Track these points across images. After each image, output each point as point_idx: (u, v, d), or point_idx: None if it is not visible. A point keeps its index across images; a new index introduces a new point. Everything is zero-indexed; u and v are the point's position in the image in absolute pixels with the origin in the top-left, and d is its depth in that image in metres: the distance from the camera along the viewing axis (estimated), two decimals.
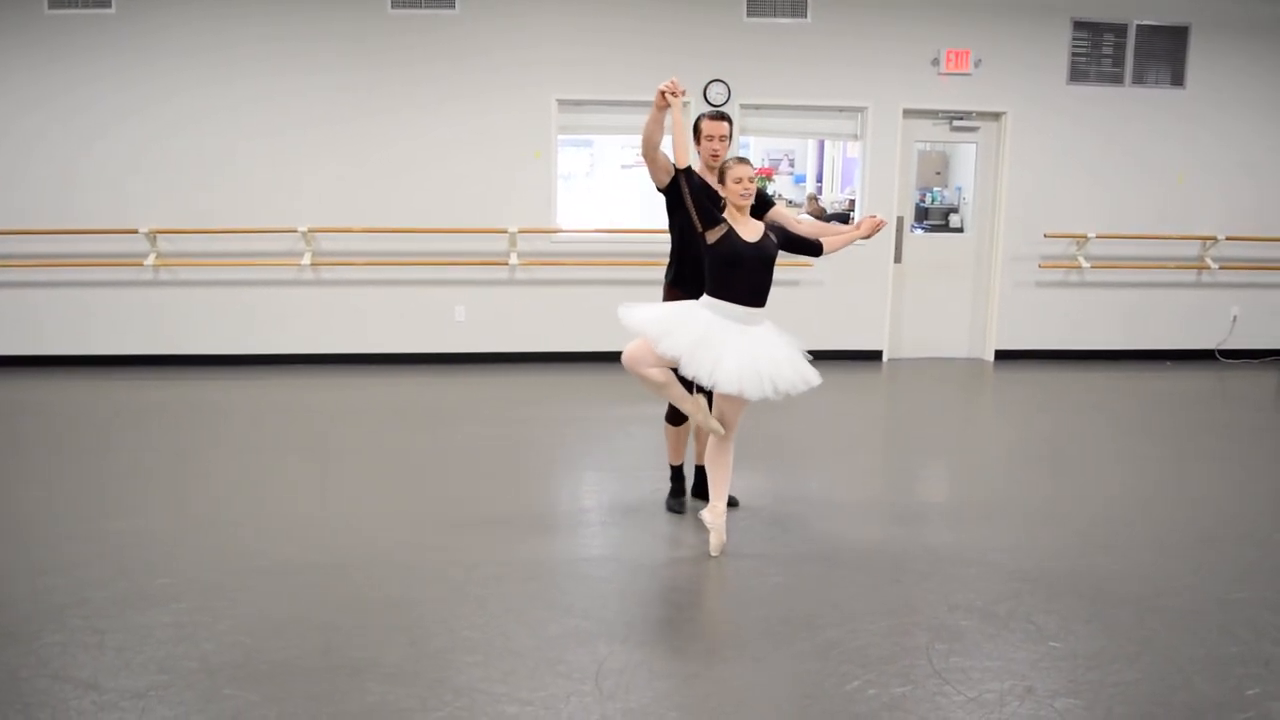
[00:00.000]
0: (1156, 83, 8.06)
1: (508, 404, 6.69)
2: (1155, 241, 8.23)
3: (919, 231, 8.51)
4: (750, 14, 7.64)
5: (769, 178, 10.74)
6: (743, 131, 7.93)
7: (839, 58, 7.76)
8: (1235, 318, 8.48)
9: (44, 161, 7.35)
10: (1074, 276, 8.28)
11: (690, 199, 3.74)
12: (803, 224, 4.32)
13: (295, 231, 7.44)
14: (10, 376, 7.22)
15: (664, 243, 4.24)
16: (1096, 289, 8.34)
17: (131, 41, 7.27)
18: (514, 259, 7.62)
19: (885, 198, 7.95)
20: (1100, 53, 7.98)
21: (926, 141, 8.42)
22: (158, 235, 7.42)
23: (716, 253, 3.74)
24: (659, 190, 4.11)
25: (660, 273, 4.30)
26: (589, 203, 10.23)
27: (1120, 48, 7.98)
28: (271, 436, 5.79)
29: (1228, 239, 8.22)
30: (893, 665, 2.96)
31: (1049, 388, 7.46)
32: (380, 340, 7.80)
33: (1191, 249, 8.33)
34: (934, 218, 8.80)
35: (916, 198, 8.60)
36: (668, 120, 3.85)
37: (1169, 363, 8.34)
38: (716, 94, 7.62)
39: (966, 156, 8.57)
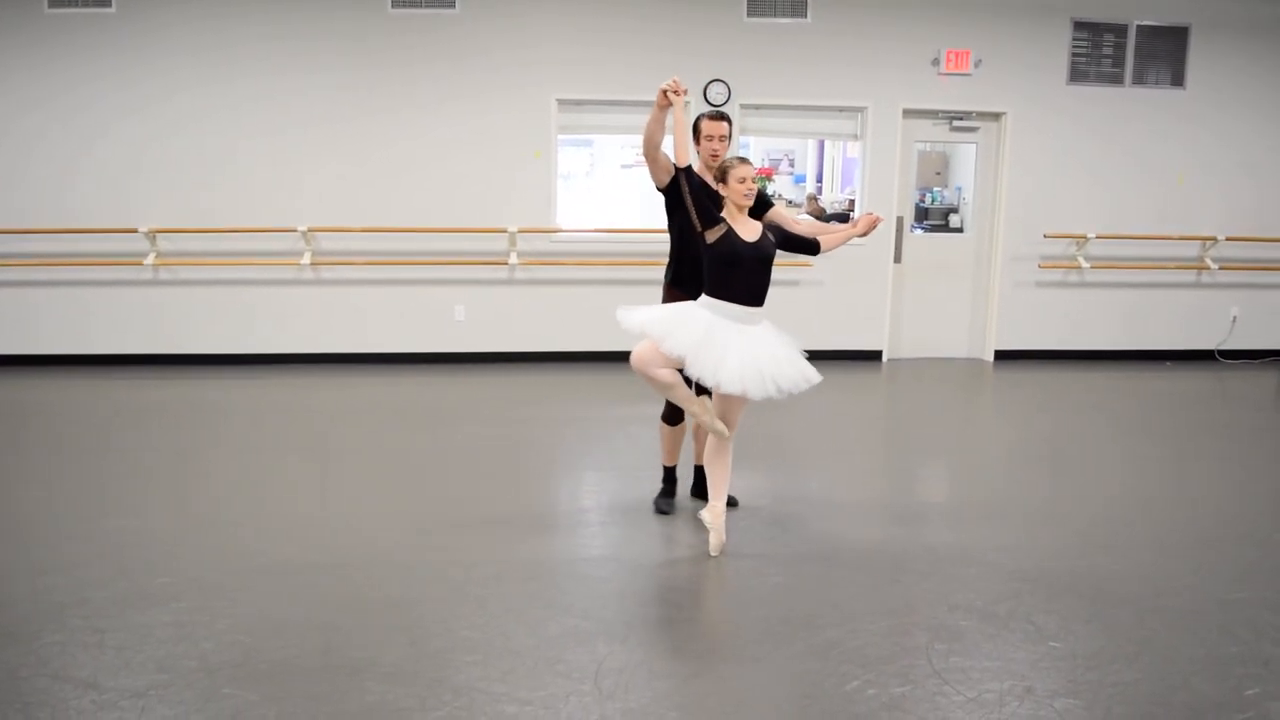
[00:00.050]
0: (1156, 83, 8.06)
1: (508, 404, 6.69)
2: (1155, 242, 8.23)
3: (919, 231, 8.51)
4: (750, 14, 7.64)
5: (769, 178, 10.74)
6: (743, 131, 7.94)
7: (839, 58, 7.76)
8: (1235, 318, 8.48)
9: (44, 161, 7.35)
10: (1074, 277, 8.28)
11: (690, 198, 3.75)
12: (801, 224, 4.33)
13: (295, 231, 7.44)
14: (10, 376, 7.23)
15: (663, 243, 4.24)
16: (1096, 289, 8.34)
17: (131, 40, 7.27)
18: (514, 259, 7.62)
19: (885, 198, 7.95)
20: (1100, 53, 7.98)
21: (926, 141, 8.42)
22: (158, 234, 7.42)
23: (716, 252, 3.74)
24: (658, 190, 4.11)
25: (660, 273, 4.30)
26: (589, 202, 10.22)
27: (1120, 48, 7.98)
28: (271, 436, 5.79)
29: (1228, 239, 8.22)
30: (892, 665, 2.96)
31: (1049, 388, 7.46)
32: (380, 340, 7.80)
33: (1191, 249, 8.33)
34: (934, 218, 8.80)
35: (916, 198, 8.60)
36: (669, 119, 3.85)
37: (1169, 363, 8.34)
38: (716, 94, 7.62)
39: (966, 157, 8.56)
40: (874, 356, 8.22)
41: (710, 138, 4.04)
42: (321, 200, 7.52)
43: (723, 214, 3.79)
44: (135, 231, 7.37)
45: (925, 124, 8.10)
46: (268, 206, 7.47)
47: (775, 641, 3.12)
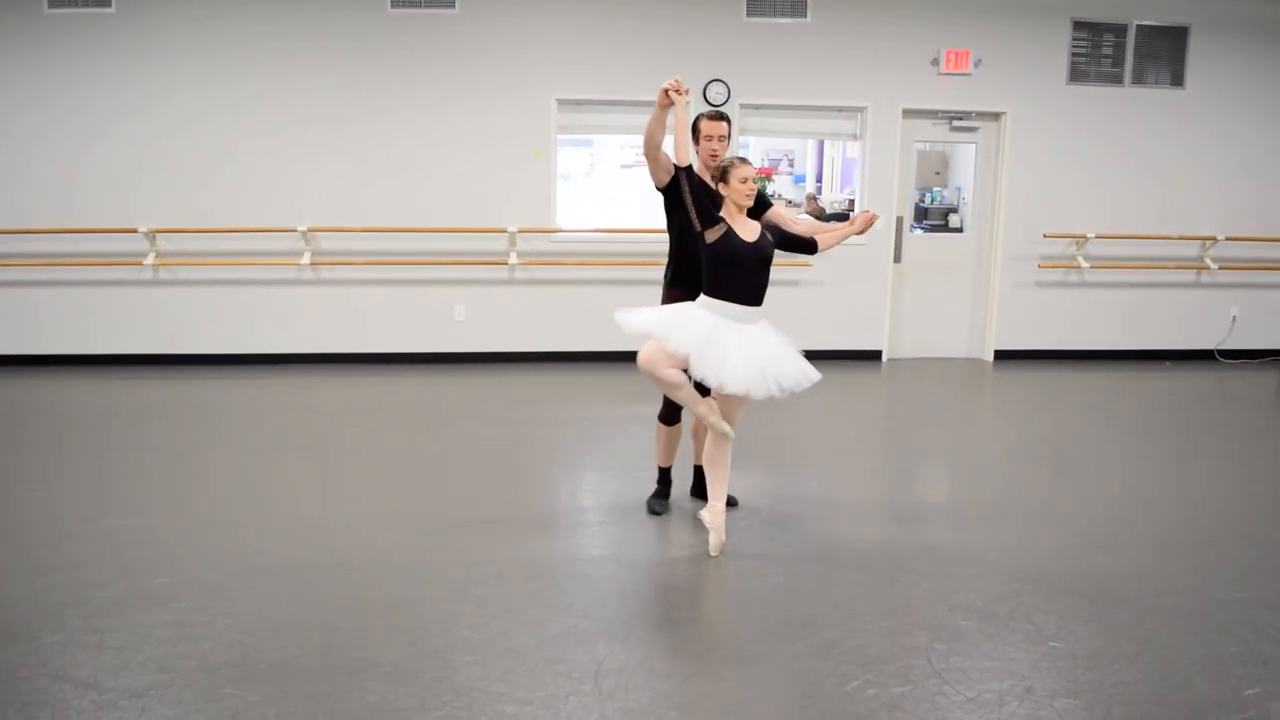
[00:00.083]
0: (1156, 83, 8.06)
1: (507, 404, 6.69)
2: (1155, 242, 8.23)
3: (918, 231, 8.51)
4: (750, 14, 7.64)
5: (769, 178, 10.74)
6: (742, 131, 7.94)
7: (839, 58, 7.76)
8: (1235, 318, 8.48)
9: (44, 161, 7.35)
10: (1074, 276, 8.28)
11: (690, 198, 3.75)
12: (800, 224, 4.33)
13: (295, 231, 7.44)
14: (10, 376, 7.23)
15: (663, 242, 4.24)
16: (1096, 289, 8.34)
17: (132, 40, 7.27)
18: (514, 259, 7.62)
19: (885, 198, 7.95)
20: (1100, 53, 7.98)
21: (926, 141, 8.42)
22: (157, 234, 7.42)
23: (715, 252, 3.74)
24: (658, 189, 4.11)
25: (659, 273, 4.31)
26: (589, 202, 10.22)
27: (1120, 48, 7.98)
28: (271, 436, 5.79)
29: (1227, 239, 8.22)
30: (892, 665, 2.96)
31: (1049, 388, 7.46)
32: (380, 340, 7.80)
33: (1191, 249, 8.33)
34: (933, 218, 8.80)
35: (916, 198, 8.60)
36: (670, 119, 3.85)
37: (1168, 363, 8.34)
38: (716, 94, 7.62)
39: (966, 156, 8.57)
40: (874, 356, 8.22)
41: (709, 138, 4.04)
42: (321, 200, 7.52)
43: (721, 214, 3.79)
44: (135, 231, 7.37)
45: (925, 124, 8.10)
46: (268, 206, 7.47)
47: (775, 641, 3.12)
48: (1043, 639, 3.14)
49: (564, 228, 7.94)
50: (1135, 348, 8.44)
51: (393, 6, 7.39)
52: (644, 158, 4.06)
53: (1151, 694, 2.81)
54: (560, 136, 7.79)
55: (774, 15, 7.66)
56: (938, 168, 9.15)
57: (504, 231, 7.57)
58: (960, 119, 8.03)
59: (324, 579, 3.58)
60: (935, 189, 9.06)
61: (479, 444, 5.62)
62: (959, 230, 8.49)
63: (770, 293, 3.87)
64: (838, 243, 4.11)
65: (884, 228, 7.93)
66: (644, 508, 4.36)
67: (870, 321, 8.18)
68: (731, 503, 4.26)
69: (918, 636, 3.15)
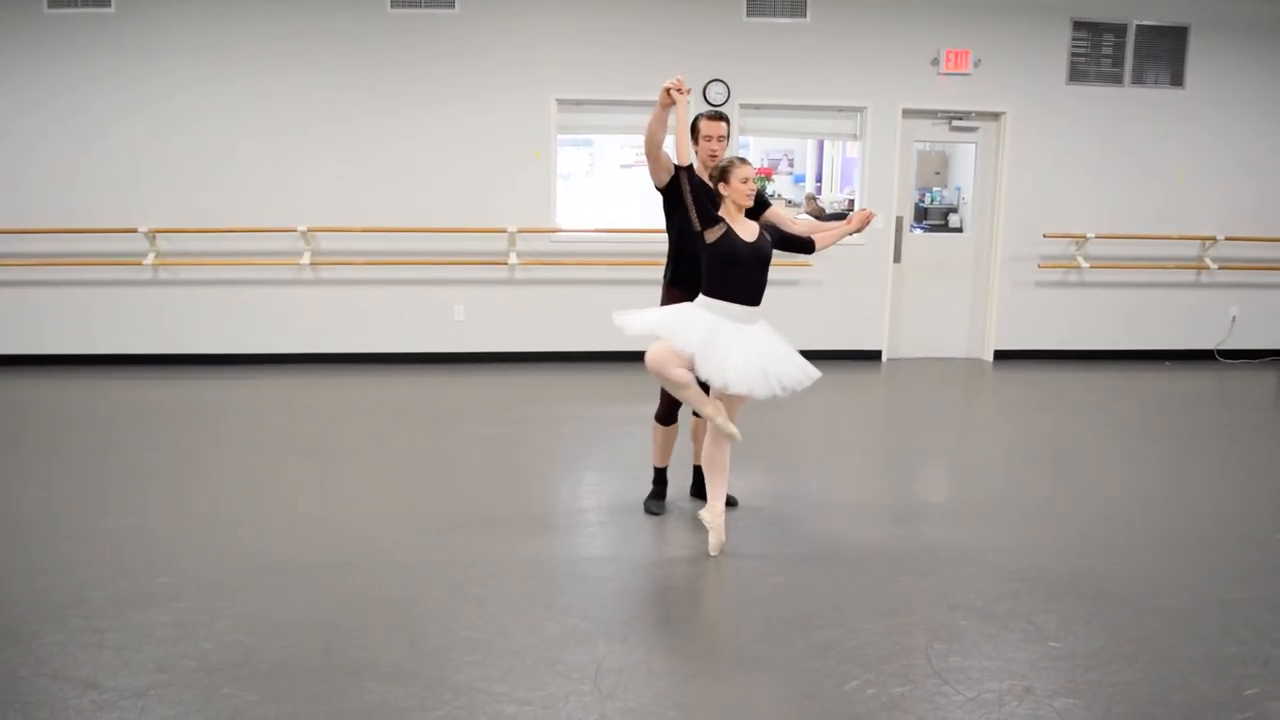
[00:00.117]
0: (1156, 83, 8.06)
1: (507, 404, 6.69)
2: (1155, 241, 8.23)
3: (918, 231, 8.51)
4: (750, 14, 7.64)
5: (768, 178, 10.74)
6: (742, 131, 7.94)
7: (839, 58, 7.76)
8: (1234, 318, 8.48)
9: (44, 161, 7.35)
10: (1073, 276, 8.28)
11: (690, 197, 3.75)
12: (799, 224, 4.33)
13: (295, 231, 7.44)
14: (10, 376, 7.23)
15: (663, 243, 4.24)
16: (1096, 289, 8.34)
17: (131, 40, 7.27)
18: (513, 259, 7.62)
19: (884, 198, 7.95)
20: (1100, 53, 7.98)
21: (926, 141, 8.42)
22: (157, 234, 7.43)
23: (715, 252, 3.74)
24: (657, 189, 4.11)
25: (659, 273, 4.30)
26: (588, 202, 10.23)
27: (1120, 48, 7.98)
28: (271, 436, 5.79)
29: (1227, 239, 8.22)
30: (892, 665, 2.96)
31: (1049, 388, 7.46)
32: (380, 340, 7.80)
33: (1191, 249, 8.33)
34: (933, 218, 8.80)
35: (916, 198, 8.60)
36: (671, 118, 3.85)
37: (1168, 363, 8.34)
38: (716, 94, 7.62)
39: (966, 156, 8.57)
40: (874, 356, 8.22)
41: (709, 138, 4.04)
42: (321, 200, 7.52)
43: (720, 213, 3.79)
44: (135, 231, 7.37)
45: (925, 124, 8.10)
46: (268, 206, 7.48)
47: (775, 641, 3.12)
48: (1042, 639, 3.14)
49: (564, 228, 7.94)
50: (1135, 348, 8.44)
51: (393, 6, 7.39)
52: (644, 157, 4.06)
53: (1151, 694, 2.81)
54: (560, 136, 7.79)
55: (774, 15, 7.66)
56: (937, 168, 9.15)
57: (504, 231, 7.57)
58: (960, 119, 8.03)
59: (324, 579, 3.58)
60: (935, 189, 9.06)
61: (479, 444, 5.62)
62: (959, 230, 8.49)
63: (770, 293, 3.87)
64: (835, 242, 4.11)
65: (883, 227, 7.92)
66: (643, 508, 4.36)
67: (870, 321, 8.18)
68: (731, 503, 4.26)
69: (917, 636, 3.15)
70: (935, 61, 7.84)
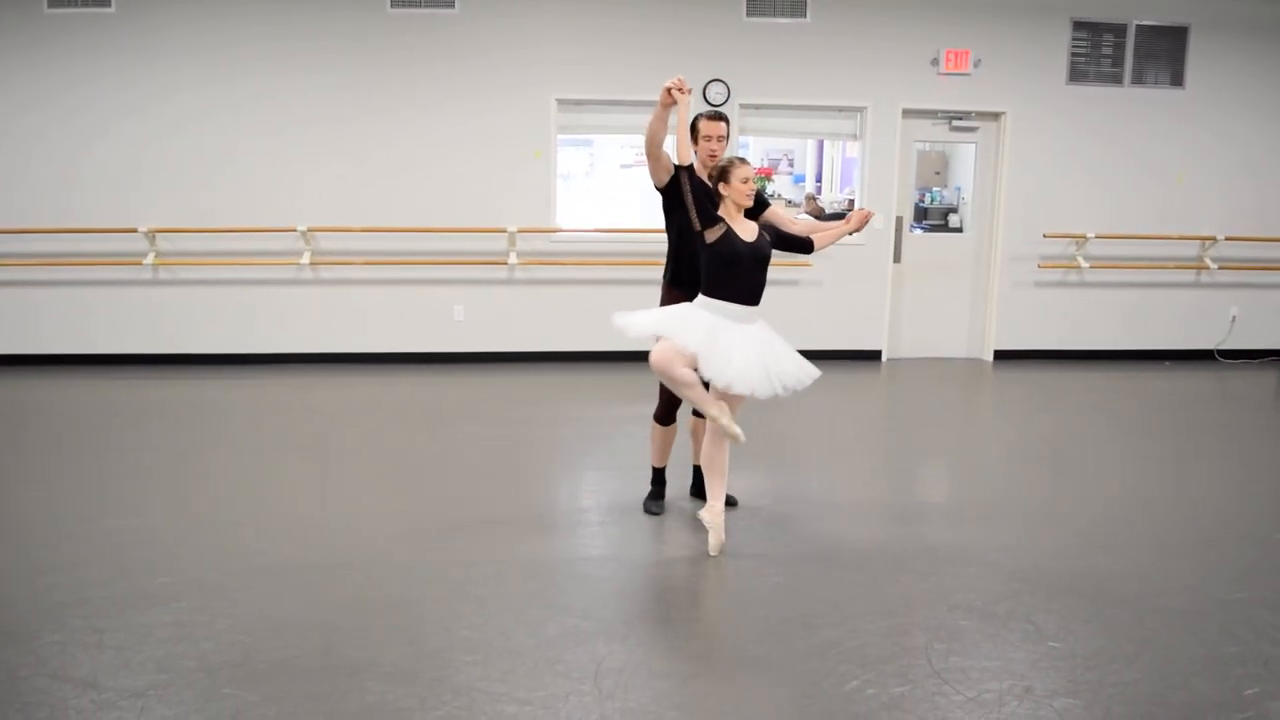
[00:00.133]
0: (1156, 83, 8.06)
1: (507, 404, 6.69)
2: (1155, 241, 8.23)
3: (918, 231, 8.51)
4: (750, 14, 7.64)
5: (768, 178, 10.74)
6: (742, 131, 7.94)
7: (839, 58, 7.76)
8: (1234, 318, 8.48)
9: (44, 161, 7.35)
10: (1073, 276, 8.28)
11: (690, 197, 3.75)
12: (798, 224, 4.33)
13: (295, 231, 7.44)
14: (10, 376, 7.23)
15: (662, 243, 4.23)
16: (1096, 289, 8.34)
17: (131, 40, 7.27)
18: (513, 258, 7.62)
19: (884, 198, 7.95)
20: (1100, 53, 7.98)
21: (926, 141, 8.42)
22: (157, 234, 7.42)
23: (715, 252, 3.74)
24: (657, 189, 4.10)
25: (659, 272, 4.30)
26: (588, 202, 10.23)
27: (1120, 48, 7.98)
28: (271, 436, 5.79)
29: (1227, 239, 8.22)
30: (891, 665, 2.96)
31: (1049, 388, 7.46)
32: (380, 340, 7.80)
33: (1191, 249, 8.33)
34: (933, 218, 8.81)
35: (916, 198, 8.60)
36: (672, 118, 3.85)
37: (1168, 363, 8.34)
38: (716, 94, 7.62)
39: (966, 156, 8.57)
40: (873, 356, 8.22)
41: (708, 138, 4.03)
42: (321, 200, 7.52)
43: (720, 213, 3.79)
44: (135, 231, 7.37)
45: (925, 124, 8.10)
46: (267, 206, 7.47)
47: (775, 641, 3.12)
48: (1042, 639, 3.14)
49: (564, 228, 7.94)
50: (1135, 348, 8.44)
51: (393, 6, 7.39)
52: (644, 157, 4.06)
53: (1151, 694, 2.81)
54: (560, 136, 7.79)
55: (774, 15, 7.66)
56: (937, 168, 9.15)
57: (504, 231, 7.58)
58: (960, 119, 8.04)
59: (324, 579, 3.58)
60: (935, 189, 9.06)
61: (479, 444, 5.62)
62: (959, 230, 8.49)
63: (770, 293, 3.88)
64: (833, 241, 4.11)
65: (882, 227, 7.93)
66: (643, 508, 4.36)
67: (870, 321, 8.18)
68: (731, 502, 4.26)
69: (917, 636, 3.15)
70: (935, 61, 7.84)
